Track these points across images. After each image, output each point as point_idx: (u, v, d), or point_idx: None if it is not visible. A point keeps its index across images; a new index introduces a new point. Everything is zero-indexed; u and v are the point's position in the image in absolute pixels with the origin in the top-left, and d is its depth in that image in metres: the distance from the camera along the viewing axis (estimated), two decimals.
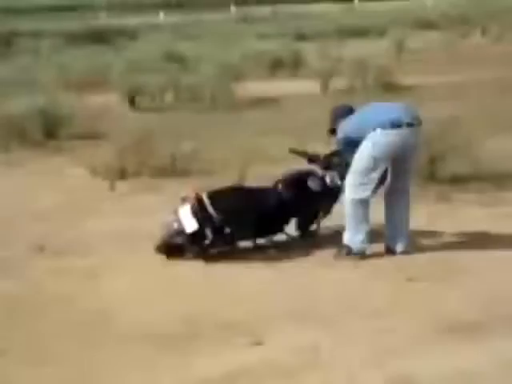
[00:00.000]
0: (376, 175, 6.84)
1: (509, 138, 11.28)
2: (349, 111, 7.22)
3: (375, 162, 6.79)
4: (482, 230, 7.57)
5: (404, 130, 6.79)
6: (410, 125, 6.81)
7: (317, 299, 6.13)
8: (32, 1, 57.36)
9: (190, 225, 6.88)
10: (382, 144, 6.76)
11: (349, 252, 6.88)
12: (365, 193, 6.85)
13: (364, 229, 6.90)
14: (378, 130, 6.75)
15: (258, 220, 7.11)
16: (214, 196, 7.12)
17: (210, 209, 6.99)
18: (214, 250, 7.11)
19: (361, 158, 6.84)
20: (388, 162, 6.88)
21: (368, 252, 6.95)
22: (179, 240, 6.98)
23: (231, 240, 7.14)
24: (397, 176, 7.00)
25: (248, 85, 17.23)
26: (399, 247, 6.98)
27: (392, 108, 7.10)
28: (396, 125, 6.77)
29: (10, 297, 6.47)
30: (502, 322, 5.53)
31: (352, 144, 6.91)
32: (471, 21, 36.99)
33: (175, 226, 6.99)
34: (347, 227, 6.92)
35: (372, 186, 6.85)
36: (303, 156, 7.60)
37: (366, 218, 6.89)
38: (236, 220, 7.04)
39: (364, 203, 6.86)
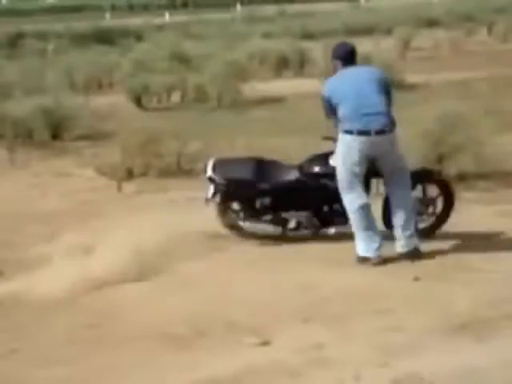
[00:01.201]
0: (356, 180, 6.82)
1: None
2: (346, 55, 7.01)
3: (351, 170, 6.78)
4: (489, 228, 7.55)
5: (372, 137, 6.66)
6: (379, 132, 6.65)
7: (323, 298, 6.12)
8: (38, 2, 57.44)
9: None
10: (352, 150, 6.71)
11: (365, 260, 6.85)
12: (359, 200, 6.84)
13: (375, 235, 6.86)
14: (348, 137, 6.72)
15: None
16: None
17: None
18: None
19: (339, 169, 6.87)
20: (363, 167, 6.80)
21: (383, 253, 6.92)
22: None
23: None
24: (386, 180, 6.92)
25: (254, 84, 17.23)
26: (405, 247, 6.93)
27: (364, 106, 6.73)
28: (362, 132, 6.69)
29: (20, 298, 6.48)
30: (509, 321, 5.52)
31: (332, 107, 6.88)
32: (477, 18, 36.92)
33: None
34: (358, 238, 6.86)
35: (359, 191, 6.84)
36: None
37: (372, 223, 6.87)
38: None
39: (364, 209, 6.83)
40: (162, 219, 7.74)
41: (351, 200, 6.86)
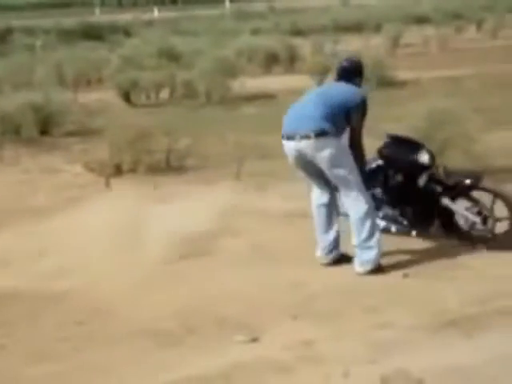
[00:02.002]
0: (311, 181, 6.84)
1: (506, 132, 11.31)
2: (339, 70, 6.88)
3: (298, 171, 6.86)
4: None
5: (297, 142, 6.60)
6: (304, 137, 6.55)
7: (313, 295, 6.13)
8: None
9: None
10: (287, 154, 6.76)
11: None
12: (316, 200, 6.86)
13: (323, 235, 6.86)
14: (282, 141, 6.76)
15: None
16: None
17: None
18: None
19: None
20: (302, 171, 6.80)
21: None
22: None
23: None
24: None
25: (243, 80, 17.22)
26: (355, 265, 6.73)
27: (295, 114, 6.71)
28: (287, 137, 6.68)
29: (10, 294, 6.47)
30: (497, 318, 5.53)
31: None
32: (466, 16, 37.04)
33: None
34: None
35: (317, 191, 6.82)
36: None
37: (325, 224, 6.85)
38: None
39: (318, 209, 6.86)
40: (150, 216, 7.73)
41: (312, 198, 6.92)
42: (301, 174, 6.89)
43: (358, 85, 6.86)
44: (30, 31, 36.61)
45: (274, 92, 16.97)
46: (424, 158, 6.97)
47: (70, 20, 41.77)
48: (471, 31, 33.24)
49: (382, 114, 11.66)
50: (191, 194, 8.90)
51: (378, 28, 32.59)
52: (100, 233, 7.67)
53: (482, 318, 5.53)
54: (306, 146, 6.54)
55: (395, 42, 28.03)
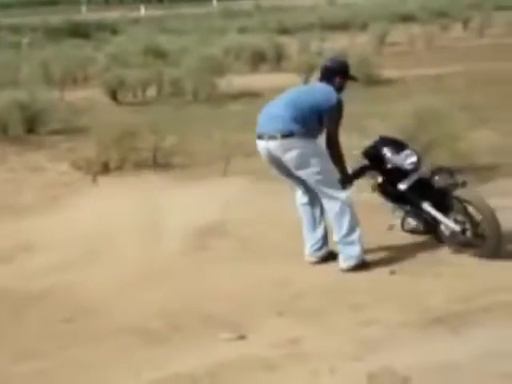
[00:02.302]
0: (290, 181, 6.86)
1: (490, 130, 11.35)
2: (321, 69, 6.90)
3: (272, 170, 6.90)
4: None
5: (266, 142, 6.64)
6: (271, 137, 6.61)
7: (299, 293, 6.13)
8: None
9: None
10: (259, 151, 6.80)
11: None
12: (298, 199, 6.92)
13: (308, 234, 6.90)
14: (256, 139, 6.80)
15: None
16: None
17: None
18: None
19: None
20: (277, 170, 6.82)
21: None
22: None
23: None
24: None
25: (230, 79, 17.23)
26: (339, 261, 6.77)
27: (267, 113, 6.77)
28: (258, 136, 6.73)
29: None
30: (483, 314, 5.56)
31: None
32: (452, 14, 37.16)
33: None
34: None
35: (299, 191, 6.84)
36: None
37: (308, 223, 6.90)
38: None
39: (300, 208, 6.92)
40: (137, 213, 7.72)
41: (296, 197, 6.96)
42: (275, 172, 6.89)
43: (340, 85, 6.81)
44: (16, 29, 36.49)
45: (260, 90, 16.97)
46: (407, 162, 6.87)
47: (56, 18, 41.62)
48: (457, 29, 33.33)
49: (368, 112, 11.70)
50: (178, 190, 8.88)
51: (364, 26, 32.66)
52: (86, 231, 7.66)
53: (468, 314, 5.55)
54: (273, 146, 6.60)
55: (381, 41, 28.10)
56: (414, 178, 6.88)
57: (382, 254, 6.89)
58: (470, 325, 5.39)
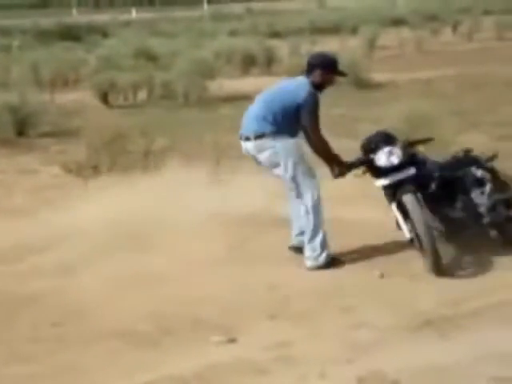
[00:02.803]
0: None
1: (479, 133, 11.39)
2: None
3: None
4: None
5: (244, 143, 6.85)
6: (247, 138, 6.81)
7: (289, 296, 6.14)
8: None
9: None
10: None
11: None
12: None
13: (292, 225, 7.00)
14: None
15: None
16: None
17: None
18: None
19: None
20: (265, 168, 6.94)
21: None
22: None
23: None
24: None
25: (221, 82, 17.24)
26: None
27: (246, 114, 6.95)
28: (239, 137, 6.90)
29: None
30: (472, 318, 5.58)
31: None
32: (441, 18, 37.27)
33: None
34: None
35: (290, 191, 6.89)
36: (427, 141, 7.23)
37: (293, 216, 6.97)
38: None
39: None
40: (129, 215, 7.72)
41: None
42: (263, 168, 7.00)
43: (321, 79, 6.81)
44: (6, 31, 36.41)
45: (251, 93, 16.93)
46: (381, 159, 6.69)
47: (47, 20, 41.57)
48: (447, 34, 33.42)
49: (359, 115, 11.74)
50: (170, 193, 8.87)
51: (354, 30, 32.72)
52: (77, 233, 7.65)
53: (458, 318, 5.58)
54: (250, 147, 6.81)
55: (371, 44, 28.14)
56: (396, 177, 6.63)
57: (371, 257, 6.90)
58: (459, 328, 5.42)
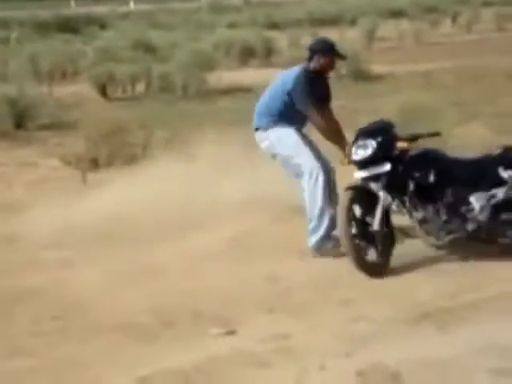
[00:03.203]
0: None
1: (477, 125, 11.38)
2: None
3: None
4: None
5: (255, 133, 7.12)
6: (254, 130, 7.10)
7: (288, 289, 6.14)
8: None
9: None
10: None
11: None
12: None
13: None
14: None
15: None
16: None
17: None
18: None
19: None
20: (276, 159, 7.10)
21: None
22: None
23: None
24: None
25: (220, 74, 17.22)
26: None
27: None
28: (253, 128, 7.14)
29: None
30: (471, 310, 5.59)
31: None
32: (441, 9, 37.20)
33: None
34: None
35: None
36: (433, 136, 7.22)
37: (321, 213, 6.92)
38: None
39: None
40: (128, 209, 7.72)
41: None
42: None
43: (323, 64, 6.95)
44: (4, 23, 36.31)
45: (250, 85, 16.95)
46: (354, 152, 6.53)
47: (45, 12, 41.46)
48: (446, 25, 33.36)
49: (358, 107, 11.73)
50: (170, 184, 8.86)
51: (353, 22, 32.65)
52: (77, 226, 7.65)
53: (456, 310, 5.58)
54: (256, 138, 7.11)
55: (371, 36, 28.09)
56: (371, 172, 6.44)
57: None
58: (457, 321, 5.42)
